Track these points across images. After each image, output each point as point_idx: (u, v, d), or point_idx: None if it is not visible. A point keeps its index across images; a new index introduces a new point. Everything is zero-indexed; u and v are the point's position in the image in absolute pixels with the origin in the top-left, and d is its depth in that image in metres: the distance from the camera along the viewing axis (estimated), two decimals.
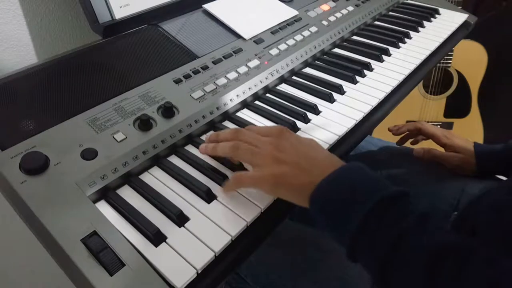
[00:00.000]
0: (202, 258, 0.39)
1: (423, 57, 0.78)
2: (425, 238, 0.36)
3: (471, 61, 1.48)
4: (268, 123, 0.59)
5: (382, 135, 0.96)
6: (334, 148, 0.56)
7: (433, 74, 1.50)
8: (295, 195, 0.43)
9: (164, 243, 0.40)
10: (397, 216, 0.37)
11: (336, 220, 0.40)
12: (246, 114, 0.61)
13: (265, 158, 0.44)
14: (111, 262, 0.37)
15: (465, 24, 0.95)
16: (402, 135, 0.86)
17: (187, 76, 0.59)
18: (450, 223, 0.62)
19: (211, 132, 0.57)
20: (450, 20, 0.93)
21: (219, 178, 0.48)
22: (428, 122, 1.52)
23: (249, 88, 0.62)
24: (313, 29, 0.77)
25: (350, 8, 0.87)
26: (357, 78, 0.70)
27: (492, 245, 0.37)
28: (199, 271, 0.38)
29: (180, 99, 0.55)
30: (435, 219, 0.37)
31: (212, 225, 0.43)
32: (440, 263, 0.34)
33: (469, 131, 1.55)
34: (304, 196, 0.42)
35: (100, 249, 0.37)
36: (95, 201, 0.44)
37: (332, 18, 0.82)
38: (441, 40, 0.85)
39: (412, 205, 0.38)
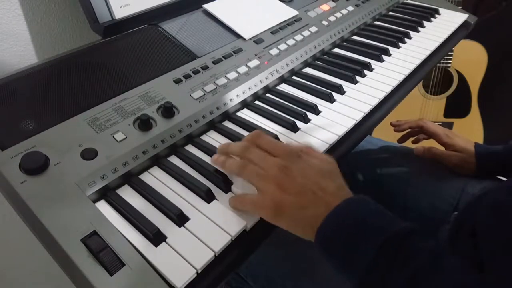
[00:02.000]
0: (202, 258, 0.39)
1: (423, 57, 0.78)
2: (442, 278, 0.34)
3: (471, 61, 1.48)
4: (268, 123, 0.59)
5: (382, 135, 0.96)
6: (334, 148, 0.56)
7: (433, 74, 1.50)
8: (298, 227, 0.41)
9: (164, 243, 0.40)
10: (408, 255, 0.35)
11: (343, 260, 0.38)
12: (246, 114, 0.61)
13: (269, 183, 0.42)
14: (111, 262, 0.37)
15: (465, 24, 0.95)
16: (404, 132, 0.86)
17: (187, 76, 0.59)
18: (450, 223, 0.62)
19: (211, 132, 0.57)
20: (450, 20, 0.93)
21: (219, 178, 0.48)
22: None
23: (249, 88, 0.62)
24: (313, 29, 0.77)
25: (350, 8, 0.87)
26: (357, 78, 0.70)
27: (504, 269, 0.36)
28: (199, 271, 0.38)
29: (180, 99, 0.55)
30: (448, 256, 0.36)
31: (212, 225, 0.43)
32: None
33: (469, 131, 1.55)
34: (307, 230, 0.40)
35: (100, 249, 0.37)
36: (95, 201, 0.44)
37: (332, 18, 0.82)
38: (441, 40, 0.85)
39: (423, 241, 0.37)
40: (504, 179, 0.69)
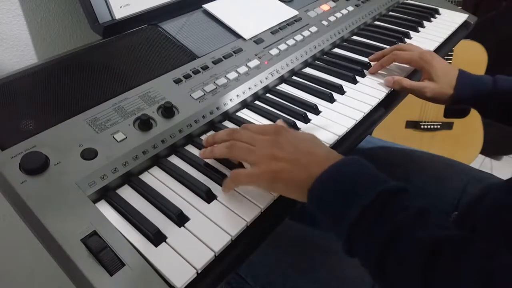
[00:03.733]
0: (202, 258, 0.39)
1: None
2: (423, 231, 0.36)
3: (471, 61, 1.48)
4: (268, 123, 0.59)
5: (382, 135, 0.97)
6: (334, 148, 0.56)
7: None
8: (294, 190, 0.44)
9: (164, 243, 0.40)
10: (395, 209, 0.37)
11: (334, 212, 0.40)
12: (246, 114, 0.61)
13: (262, 155, 0.45)
14: (111, 262, 0.37)
15: (465, 24, 0.95)
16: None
17: (187, 76, 0.59)
18: (450, 223, 0.62)
19: (211, 132, 0.57)
20: (450, 20, 0.93)
21: (219, 178, 0.48)
22: (428, 122, 1.53)
23: (249, 88, 0.62)
24: (313, 29, 0.77)
25: (350, 8, 0.87)
26: (357, 78, 0.70)
27: (491, 241, 0.37)
28: (199, 271, 0.38)
29: (180, 99, 0.55)
30: (433, 215, 0.37)
31: (212, 225, 0.43)
32: (437, 255, 0.34)
33: (469, 131, 1.55)
34: (303, 191, 0.42)
35: (100, 249, 0.37)
36: (95, 201, 0.44)
37: (332, 18, 0.82)
38: (441, 40, 0.85)
39: (410, 201, 0.39)
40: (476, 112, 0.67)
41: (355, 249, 0.39)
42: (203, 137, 0.55)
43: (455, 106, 0.68)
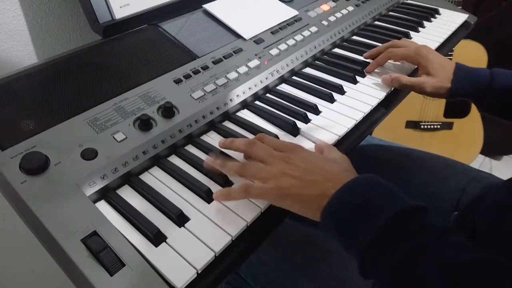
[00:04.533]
0: (202, 258, 0.39)
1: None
2: (445, 254, 0.34)
3: (471, 61, 1.47)
4: (268, 123, 0.59)
5: (382, 135, 0.97)
6: None
7: None
8: (303, 206, 0.42)
9: (164, 243, 0.40)
10: (414, 230, 0.36)
11: (349, 232, 0.39)
12: (246, 114, 0.61)
13: (273, 172, 0.43)
14: (111, 262, 0.37)
15: (465, 24, 0.95)
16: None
17: (187, 76, 0.59)
18: (450, 223, 0.62)
19: (211, 132, 0.57)
20: (450, 20, 0.93)
21: (219, 178, 0.48)
22: (428, 122, 1.53)
23: (249, 88, 0.62)
24: (313, 29, 0.77)
25: (350, 8, 0.87)
26: (358, 78, 0.70)
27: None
28: (199, 271, 0.38)
29: (180, 99, 0.55)
30: (455, 234, 0.36)
31: (212, 225, 0.43)
32: (461, 280, 0.32)
33: (469, 131, 1.55)
34: (313, 208, 0.41)
35: (100, 249, 0.37)
36: (95, 201, 0.44)
37: (332, 18, 0.82)
38: (441, 40, 0.85)
39: (430, 220, 0.37)
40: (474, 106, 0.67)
41: (371, 270, 0.38)
42: (204, 137, 0.55)
43: (453, 100, 0.68)
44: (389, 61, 0.73)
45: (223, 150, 0.52)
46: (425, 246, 0.35)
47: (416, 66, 0.73)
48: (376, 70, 0.73)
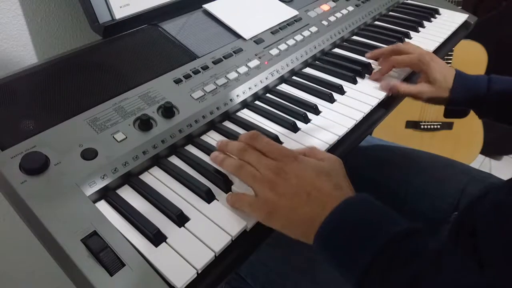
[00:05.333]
0: (202, 258, 0.39)
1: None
2: (443, 278, 0.33)
3: (471, 61, 1.47)
4: (268, 123, 0.59)
5: (382, 135, 0.97)
6: (334, 148, 0.56)
7: None
8: (292, 228, 0.41)
9: (164, 243, 0.40)
10: (409, 256, 0.35)
11: (343, 260, 0.38)
12: (246, 114, 0.61)
13: (263, 185, 0.43)
14: (111, 262, 0.37)
15: (465, 24, 0.95)
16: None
17: (187, 76, 0.59)
18: (450, 223, 0.62)
19: (211, 132, 0.57)
20: (450, 20, 0.93)
21: (219, 178, 0.48)
22: (428, 122, 1.53)
23: (249, 88, 0.62)
24: (313, 29, 0.77)
25: (350, 8, 0.87)
26: (358, 78, 0.70)
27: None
28: (199, 271, 0.38)
29: (180, 99, 0.55)
30: (449, 256, 0.35)
31: (212, 225, 0.43)
32: None
33: (469, 131, 1.55)
34: (302, 230, 0.40)
35: (100, 249, 0.37)
36: (95, 201, 0.44)
37: (332, 18, 0.82)
38: (441, 40, 0.85)
39: (424, 242, 0.36)
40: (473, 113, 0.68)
41: None
42: (204, 137, 0.55)
43: (451, 108, 0.69)
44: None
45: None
46: (423, 272, 0.34)
47: (411, 71, 0.74)
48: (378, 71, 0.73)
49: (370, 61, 0.75)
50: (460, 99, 0.67)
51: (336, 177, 0.44)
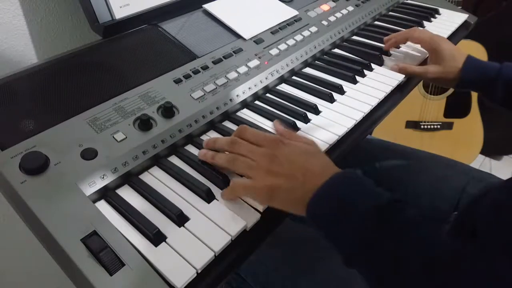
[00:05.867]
0: (202, 258, 0.39)
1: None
2: (422, 244, 0.36)
3: None
4: (268, 123, 0.59)
5: (382, 135, 0.97)
6: (334, 148, 0.56)
7: None
8: (291, 206, 0.44)
9: (164, 243, 0.40)
10: (392, 224, 0.37)
11: (331, 230, 0.41)
12: (246, 114, 0.61)
13: (260, 170, 0.45)
14: (111, 262, 0.37)
15: (465, 24, 0.95)
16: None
17: (187, 76, 0.59)
18: (450, 223, 0.62)
19: (211, 132, 0.57)
20: (450, 20, 0.93)
21: (219, 178, 0.48)
22: (428, 122, 1.53)
23: (249, 88, 0.62)
24: (313, 29, 0.77)
25: (350, 8, 0.87)
26: (358, 78, 0.70)
27: (491, 249, 0.37)
28: (199, 271, 0.38)
29: (180, 99, 0.55)
30: (432, 224, 0.37)
31: (212, 225, 0.43)
32: (435, 269, 0.34)
33: (469, 131, 1.55)
34: (299, 207, 0.42)
35: (100, 249, 0.37)
36: (95, 201, 0.44)
37: (332, 18, 0.82)
38: None
39: (406, 212, 0.38)
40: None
41: (355, 264, 0.39)
42: (203, 137, 0.55)
43: (460, 89, 0.70)
44: (402, 49, 0.80)
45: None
46: (404, 238, 0.36)
47: (427, 56, 0.77)
48: (378, 71, 0.73)
49: (370, 60, 0.75)
50: (470, 80, 0.69)
51: (322, 157, 0.47)
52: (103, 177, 0.45)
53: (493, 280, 0.33)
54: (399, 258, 0.36)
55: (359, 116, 0.61)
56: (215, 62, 0.63)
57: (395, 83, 0.69)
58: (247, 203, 0.46)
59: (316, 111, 0.61)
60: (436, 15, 0.96)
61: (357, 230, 0.38)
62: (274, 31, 0.73)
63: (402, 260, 0.36)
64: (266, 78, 0.65)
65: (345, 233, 0.39)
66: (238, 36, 0.69)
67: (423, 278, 0.34)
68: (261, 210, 0.45)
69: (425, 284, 0.34)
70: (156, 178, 0.48)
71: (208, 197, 0.45)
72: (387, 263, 0.36)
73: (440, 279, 0.33)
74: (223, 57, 0.64)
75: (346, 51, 0.79)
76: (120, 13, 0.62)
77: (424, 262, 0.34)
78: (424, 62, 0.78)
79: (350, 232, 0.38)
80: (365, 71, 0.72)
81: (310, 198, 0.41)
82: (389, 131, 1.53)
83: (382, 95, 0.66)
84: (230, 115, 0.60)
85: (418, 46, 0.79)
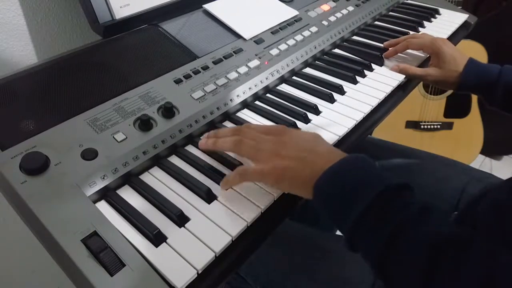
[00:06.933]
0: (203, 258, 0.39)
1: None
2: (425, 230, 0.36)
3: None
4: (269, 123, 0.59)
5: (382, 135, 0.97)
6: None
7: None
8: (299, 187, 0.44)
9: (164, 243, 0.40)
10: (397, 208, 0.38)
11: (337, 209, 0.41)
12: (246, 114, 0.61)
13: (268, 154, 0.45)
14: (111, 263, 0.37)
15: (465, 24, 0.95)
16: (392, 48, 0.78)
17: (187, 76, 0.59)
18: (451, 220, 0.62)
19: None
20: (450, 20, 0.93)
21: (219, 178, 0.48)
22: (428, 122, 1.53)
23: (250, 88, 0.62)
24: (314, 29, 0.77)
25: (350, 8, 0.87)
26: (358, 78, 0.70)
27: (492, 240, 0.37)
28: (200, 271, 0.38)
29: (180, 99, 0.55)
30: (437, 212, 0.37)
31: (212, 225, 0.43)
32: (440, 254, 0.34)
33: (469, 131, 1.55)
34: (307, 188, 0.42)
35: (101, 249, 0.37)
36: (95, 201, 0.44)
37: (332, 18, 0.81)
38: None
39: (413, 198, 0.39)
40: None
41: (358, 246, 0.40)
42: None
43: (460, 92, 0.71)
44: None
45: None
46: (406, 223, 0.36)
47: (428, 56, 0.77)
48: (378, 71, 0.73)
49: (370, 61, 0.74)
50: (470, 84, 0.69)
51: (328, 144, 0.47)
52: (103, 178, 0.45)
53: (493, 270, 0.33)
54: (404, 237, 0.36)
55: (359, 117, 0.61)
56: (215, 62, 0.63)
57: (395, 83, 0.69)
58: (248, 199, 0.46)
59: (317, 111, 0.61)
60: (436, 15, 0.96)
61: (365, 207, 0.38)
62: (274, 31, 0.73)
63: (407, 240, 0.36)
64: (267, 78, 0.65)
65: (352, 210, 0.39)
66: (238, 36, 0.69)
67: (427, 259, 0.34)
68: (262, 207, 0.45)
69: (427, 268, 0.34)
70: (156, 179, 0.48)
71: (209, 197, 0.45)
72: (392, 243, 0.36)
73: (444, 264, 0.33)
74: (223, 57, 0.64)
75: (346, 51, 0.79)
76: (120, 13, 0.62)
77: (425, 247, 0.35)
78: (425, 61, 0.78)
79: (357, 208, 0.38)
80: (366, 71, 0.72)
81: (319, 177, 0.41)
82: (389, 131, 1.53)
83: (382, 96, 0.66)
84: (230, 115, 0.60)
85: None
